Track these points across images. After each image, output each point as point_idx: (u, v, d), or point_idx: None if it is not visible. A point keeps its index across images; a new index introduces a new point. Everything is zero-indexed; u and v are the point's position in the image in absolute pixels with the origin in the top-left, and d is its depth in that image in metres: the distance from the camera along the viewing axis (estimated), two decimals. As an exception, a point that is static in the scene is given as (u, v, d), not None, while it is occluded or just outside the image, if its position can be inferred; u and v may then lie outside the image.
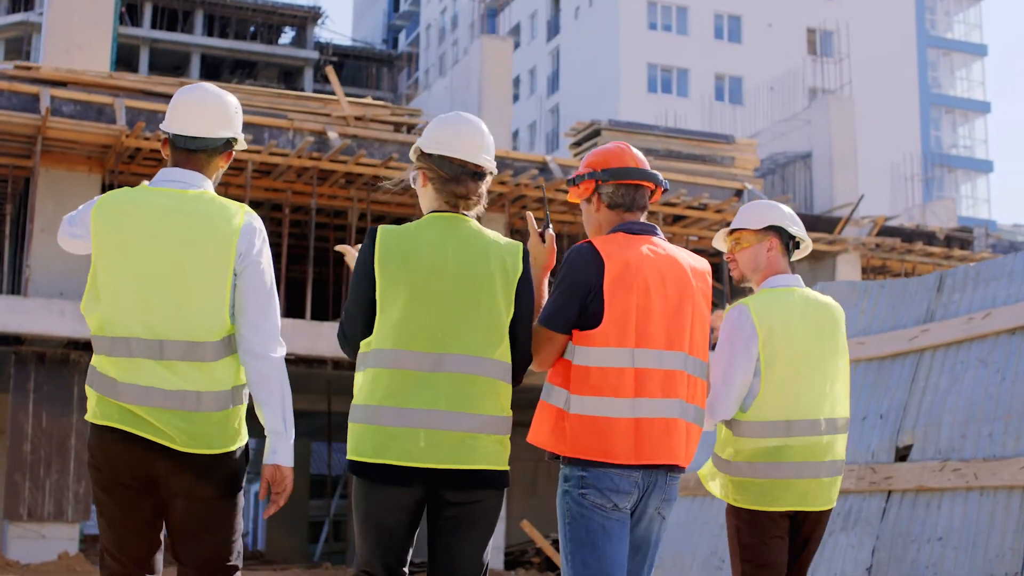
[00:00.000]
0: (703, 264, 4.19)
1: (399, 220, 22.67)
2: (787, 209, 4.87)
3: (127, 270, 3.75)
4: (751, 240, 4.75)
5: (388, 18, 75.58)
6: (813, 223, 23.09)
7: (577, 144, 22.68)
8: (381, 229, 3.85)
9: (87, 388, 3.81)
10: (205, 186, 3.90)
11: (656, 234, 4.12)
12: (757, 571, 4.53)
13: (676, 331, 3.98)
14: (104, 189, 19.07)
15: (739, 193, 21.71)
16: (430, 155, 3.93)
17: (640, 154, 4.23)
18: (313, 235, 19.46)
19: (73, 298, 17.98)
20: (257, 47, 58.42)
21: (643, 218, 4.16)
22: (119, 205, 3.83)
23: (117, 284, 3.76)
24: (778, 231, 4.75)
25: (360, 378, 3.83)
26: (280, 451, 3.86)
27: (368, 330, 3.82)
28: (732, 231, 4.84)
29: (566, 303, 3.93)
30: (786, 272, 4.75)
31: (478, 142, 3.95)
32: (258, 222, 3.89)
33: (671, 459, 3.94)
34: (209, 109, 3.92)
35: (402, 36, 73.99)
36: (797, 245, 4.82)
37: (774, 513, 4.53)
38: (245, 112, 19.30)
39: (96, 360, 3.78)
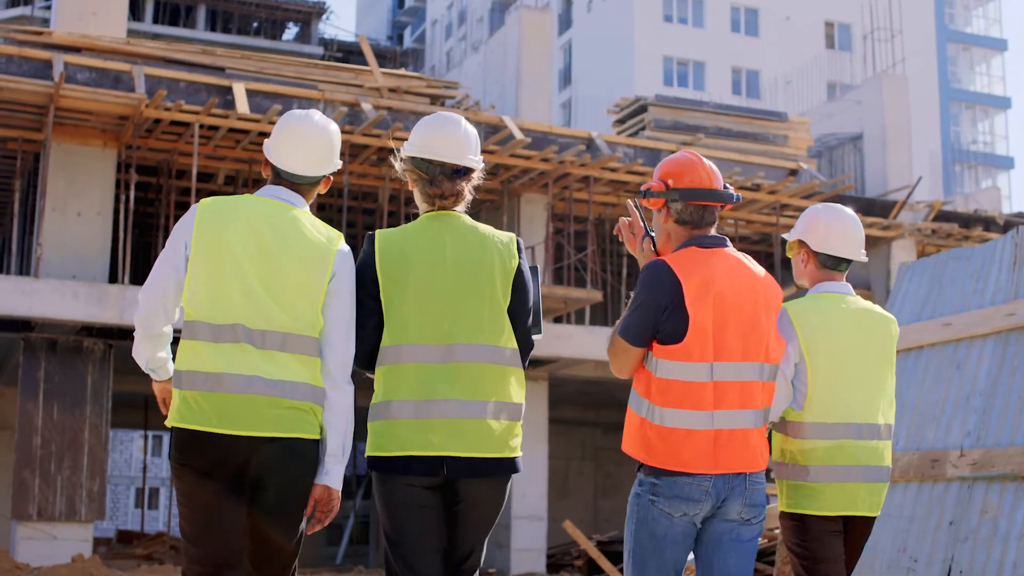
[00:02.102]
0: (771, 277, 4.28)
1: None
2: (831, 222, 4.80)
3: (231, 264, 3.92)
4: (793, 249, 4.85)
5: (393, 14, 74.43)
6: (867, 207, 21.83)
7: (620, 122, 21.37)
8: (379, 233, 4.05)
9: (173, 390, 3.91)
10: (305, 207, 4.11)
11: (727, 245, 4.20)
12: (816, 565, 4.56)
13: (752, 342, 4.09)
14: (120, 165, 17.80)
15: (794, 173, 20.42)
16: (412, 158, 4.12)
17: (713, 168, 4.28)
18: (346, 212, 18.13)
19: (86, 280, 16.70)
20: (261, 42, 57.07)
21: (712, 231, 4.24)
22: (225, 204, 4.03)
23: (223, 276, 3.91)
24: (808, 245, 4.80)
25: (376, 377, 3.98)
26: (333, 473, 4.00)
27: (379, 337, 3.98)
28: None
29: (641, 318, 4.05)
30: (833, 280, 4.78)
31: (456, 141, 4.10)
32: (350, 252, 4.08)
33: (749, 467, 4.06)
34: (317, 148, 4.10)
35: (407, 32, 72.82)
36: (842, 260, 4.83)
37: (826, 518, 4.56)
38: (273, 82, 18.06)
39: (187, 354, 3.89)
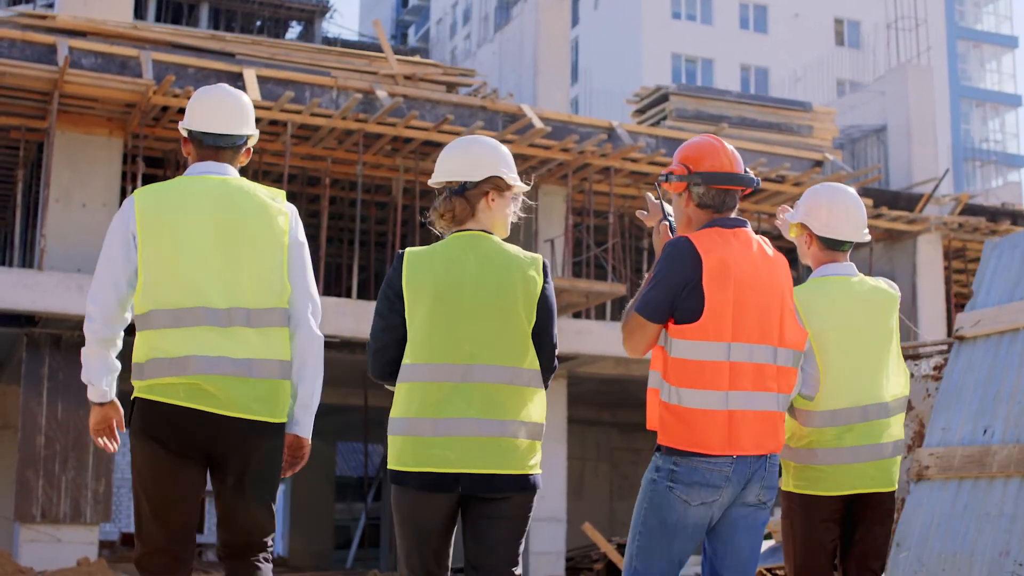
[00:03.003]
0: (783, 258, 4.28)
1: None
2: (832, 204, 4.85)
3: (182, 247, 3.93)
4: (795, 231, 4.88)
5: (397, 12, 73.89)
6: (892, 200, 21.25)
7: (640, 112, 20.78)
8: (407, 252, 4.07)
9: (135, 382, 3.93)
10: (235, 175, 4.15)
11: (746, 227, 4.21)
12: (804, 551, 4.65)
13: (768, 325, 4.08)
14: (126, 155, 17.21)
15: (819, 164, 19.84)
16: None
17: (734, 152, 4.26)
18: (359, 205, 17.53)
19: (92, 272, 16.06)
20: (263, 41, 56.58)
21: (733, 215, 4.25)
22: (162, 190, 4.05)
23: (174, 262, 3.92)
24: (813, 233, 4.84)
25: (396, 392, 4.02)
26: (302, 423, 4.16)
27: (401, 353, 4.01)
28: None
29: (660, 294, 4.03)
30: (836, 261, 4.80)
31: (464, 161, 4.12)
32: (294, 207, 4.19)
33: (764, 449, 4.05)
34: (231, 107, 4.17)
35: (411, 31, 72.25)
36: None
37: (828, 497, 4.62)
38: (284, 68, 17.47)
39: (147, 344, 3.92)
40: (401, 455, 3.98)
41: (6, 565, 14.60)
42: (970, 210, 22.10)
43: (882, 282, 4.89)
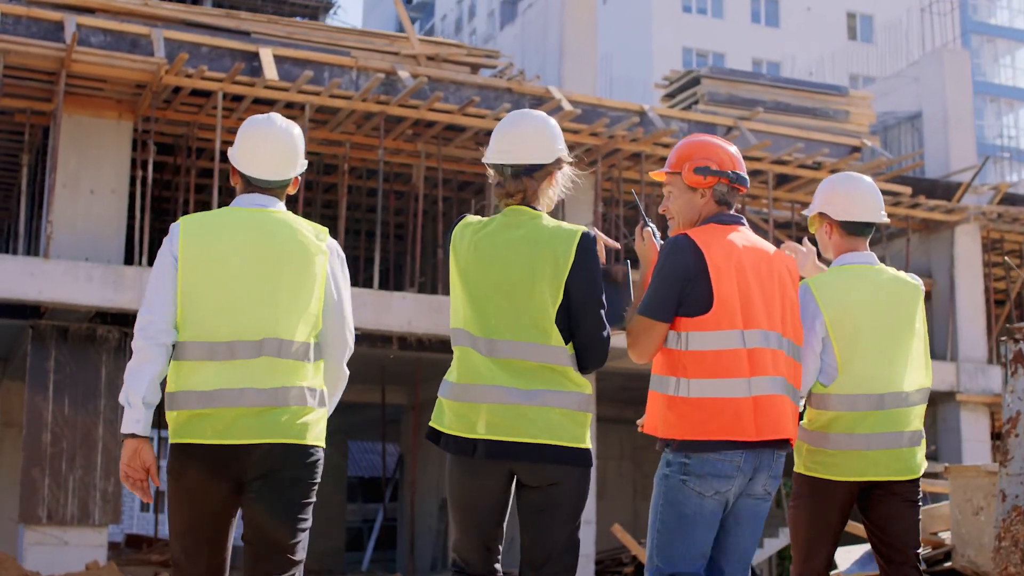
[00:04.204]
0: (787, 254, 4.43)
1: (466, 184, 20.03)
2: (848, 189, 4.94)
3: (218, 278, 3.99)
4: (815, 223, 4.98)
5: (401, 9, 73.15)
6: (929, 189, 20.45)
7: (670, 96, 19.98)
8: (460, 224, 4.18)
9: (168, 412, 3.96)
10: (281, 207, 4.20)
11: (744, 224, 4.33)
12: (809, 533, 4.74)
13: (773, 313, 4.16)
14: (136, 139, 16.42)
15: (857, 150, 19.05)
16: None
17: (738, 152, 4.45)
18: (380, 194, 16.73)
19: (101, 261, 15.32)
20: (267, 36, 55.85)
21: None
22: (207, 220, 4.12)
23: (212, 292, 3.98)
24: (833, 221, 4.92)
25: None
26: None
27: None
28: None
29: (665, 292, 4.10)
30: (857, 250, 4.89)
31: (519, 141, 4.15)
32: (337, 244, 4.22)
33: (784, 433, 4.12)
34: (281, 153, 4.18)
35: (416, 27, 71.58)
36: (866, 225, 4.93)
37: (838, 483, 4.69)
38: (302, 48, 16.67)
39: (179, 375, 3.96)
40: (437, 413, 4.13)
41: (11, 569, 13.86)
42: (1008, 199, 21.32)
43: (904, 274, 4.93)
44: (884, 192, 19.45)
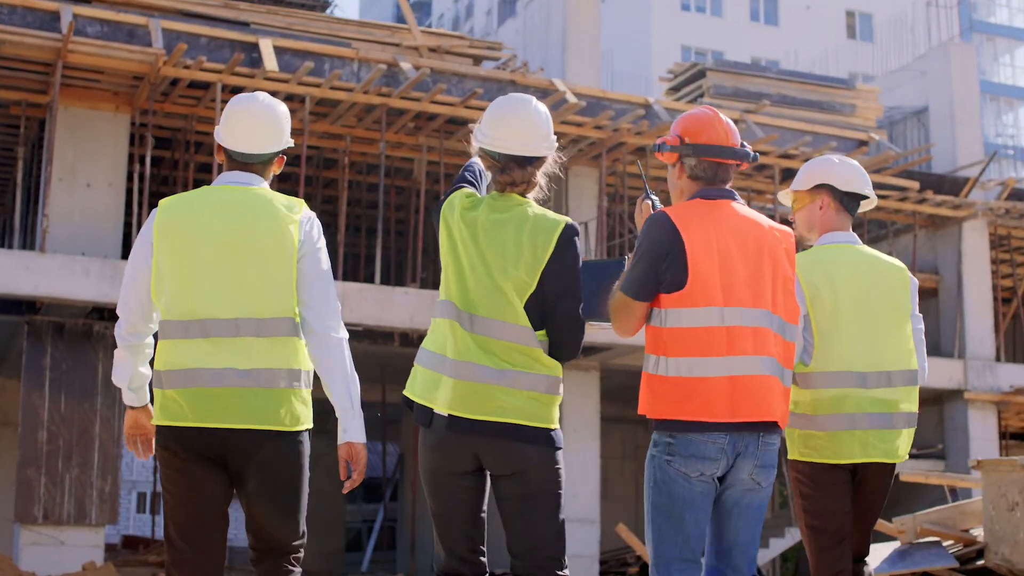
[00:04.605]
0: (785, 228, 4.26)
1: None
2: (845, 163, 4.96)
3: (196, 258, 4.03)
4: (804, 200, 4.89)
5: (397, 8, 73.01)
6: (936, 184, 20.19)
7: (675, 89, 19.72)
8: (447, 199, 4.18)
9: (156, 390, 4.09)
10: (263, 185, 4.23)
11: (734, 199, 4.22)
12: (815, 520, 4.66)
13: (760, 290, 4.06)
14: (133, 132, 16.15)
15: (864, 144, 18.79)
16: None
17: (731, 125, 4.28)
18: (382, 189, 16.45)
19: (97, 256, 15.05)
20: (264, 34, 55.54)
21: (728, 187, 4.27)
22: (182, 202, 4.17)
23: (187, 272, 4.02)
24: (830, 189, 4.88)
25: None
26: (350, 429, 4.14)
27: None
28: (792, 192, 5.02)
29: (642, 271, 4.06)
30: (842, 230, 4.89)
31: (526, 131, 4.16)
32: (313, 214, 4.23)
33: (767, 415, 4.01)
34: (263, 126, 4.21)
35: (413, 26, 71.26)
36: (861, 199, 4.96)
37: (832, 466, 4.64)
38: (302, 39, 16.40)
39: (163, 354, 4.04)
40: (411, 380, 4.15)
41: (7, 570, 13.59)
42: (1016, 195, 21.08)
43: (887, 256, 4.92)
44: (891, 187, 19.20)
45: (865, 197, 4.93)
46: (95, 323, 15.23)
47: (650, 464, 4.08)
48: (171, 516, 4.08)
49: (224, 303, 3.98)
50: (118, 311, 4.15)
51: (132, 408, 4.25)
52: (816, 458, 4.67)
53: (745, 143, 4.30)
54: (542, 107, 4.23)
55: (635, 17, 50.15)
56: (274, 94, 15.73)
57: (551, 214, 4.11)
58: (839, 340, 4.62)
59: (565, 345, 4.06)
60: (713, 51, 50.06)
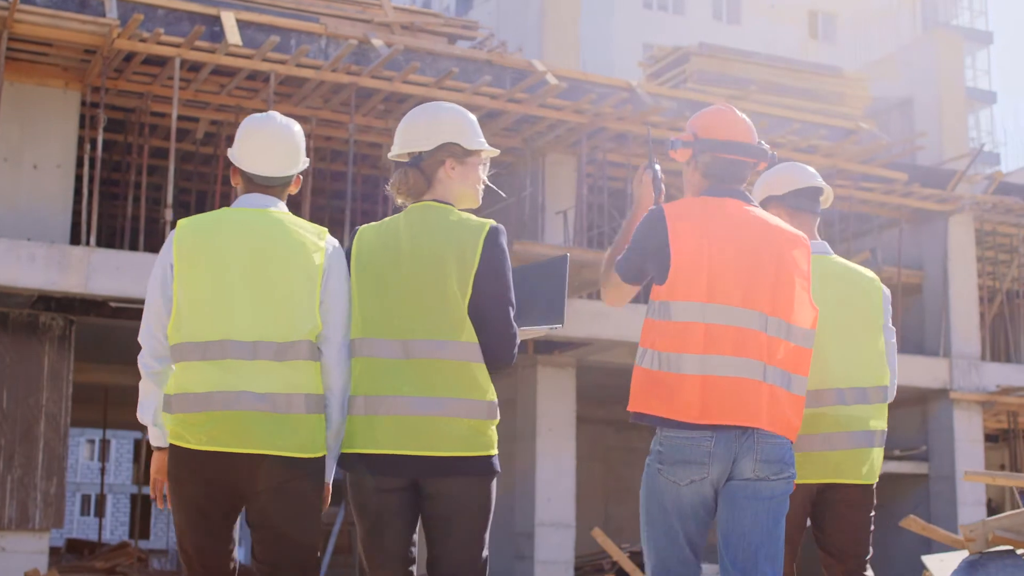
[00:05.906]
0: (796, 234, 4.16)
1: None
2: (777, 169, 4.85)
3: (217, 280, 3.99)
4: None
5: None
6: (923, 177, 19.51)
7: (656, 75, 18.92)
8: (361, 228, 4.15)
9: (164, 415, 4.01)
10: (282, 208, 4.20)
11: (744, 198, 4.13)
12: None
13: (754, 290, 3.96)
14: (84, 109, 15.10)
15: (853, 133, 18.08)
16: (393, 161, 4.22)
17: (748, 122, 4.22)
18: (350, 173, 15.49)
19: (44, 241, 14.00)
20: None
21: (743, 188, 4.21)
22: (202, 223, 4.12)
23: (207, 293, 3.98)
24: (775, 200, 4.79)
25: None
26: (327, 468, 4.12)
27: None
28: None
29: (632, 257, 4.08)
30: (808, 235, 4.72)
31: (416, 130, 4.12)
32: (337, 242, 4.15)
33: (745, 420, 3.87)
34: (282, 148, 4.19)
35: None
36: (813, 193, 4.85)
37: (797, 486, 4.31)
38: (267, 12, 15.43)
39: (177, 377, 3.98)
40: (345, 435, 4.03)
41: (-58, 579, 12.60)
42: (1003, 189, 20.45)
43: (859, 266, 4.82)
44: (878, 179, 18.52)
45: (816, 188, 4.79)
46: (41, 314, 14.20)
47: (645, 472, 4.05)
48: (183, 539, 4.05)
49: (245, 325, 3.94)
50: (140, 339, 4.10)
51: (159, 449, 4.11)
52: None
53: (762, 141, 4.20)
54: (429, 106, 4.22)
55: (597, 14, 49.59)
56: (236, 71, 14.83)
57: (474, 218, 4.03)
58: (816, 356, 4.38)
59: (499, 353, 3.94)
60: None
